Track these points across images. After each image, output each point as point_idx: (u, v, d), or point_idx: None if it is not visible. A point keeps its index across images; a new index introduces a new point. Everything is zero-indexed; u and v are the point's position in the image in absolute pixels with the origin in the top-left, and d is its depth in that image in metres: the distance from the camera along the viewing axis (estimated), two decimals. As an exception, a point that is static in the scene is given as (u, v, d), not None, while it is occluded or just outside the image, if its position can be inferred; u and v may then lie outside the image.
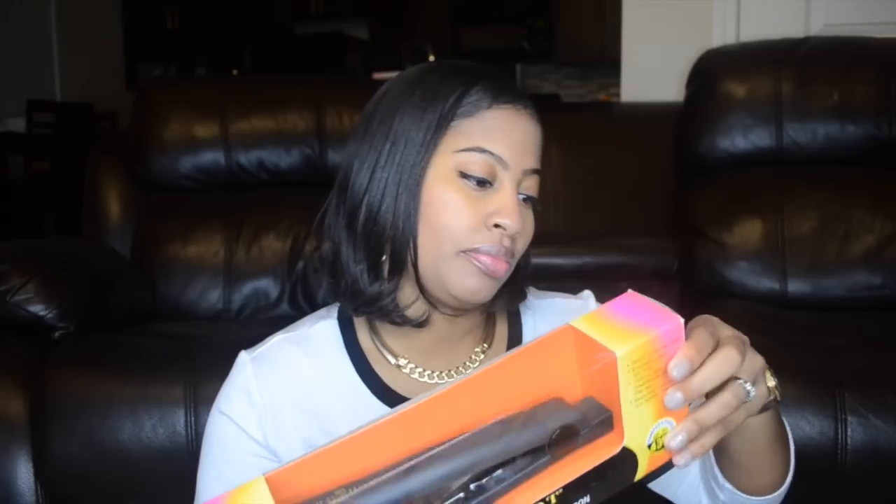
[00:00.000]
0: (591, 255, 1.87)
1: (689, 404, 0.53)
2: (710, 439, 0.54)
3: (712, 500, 0.76)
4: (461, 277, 0.70)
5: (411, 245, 0.71)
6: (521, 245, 0.74)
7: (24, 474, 1.43)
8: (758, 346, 0.59)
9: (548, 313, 0.83)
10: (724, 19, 2.40)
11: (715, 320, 0.58)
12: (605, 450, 0.51)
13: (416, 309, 0.74)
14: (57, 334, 1.56)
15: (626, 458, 0.51)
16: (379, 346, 0.78)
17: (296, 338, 0.79)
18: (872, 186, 1.87)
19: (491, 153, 0.70)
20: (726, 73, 2.00)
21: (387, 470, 0.48)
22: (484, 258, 0.70)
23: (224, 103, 2.04)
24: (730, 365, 0.53)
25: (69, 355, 1.50)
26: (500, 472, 0.49)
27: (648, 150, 2.21)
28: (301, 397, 0.75)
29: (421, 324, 0.75)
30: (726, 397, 0.54)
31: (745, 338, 0.58)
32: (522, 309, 0.83)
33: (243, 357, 0.77)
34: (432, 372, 0.77)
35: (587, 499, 0.51)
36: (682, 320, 0.51)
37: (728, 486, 0.72)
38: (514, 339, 0.81)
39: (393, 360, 0.77)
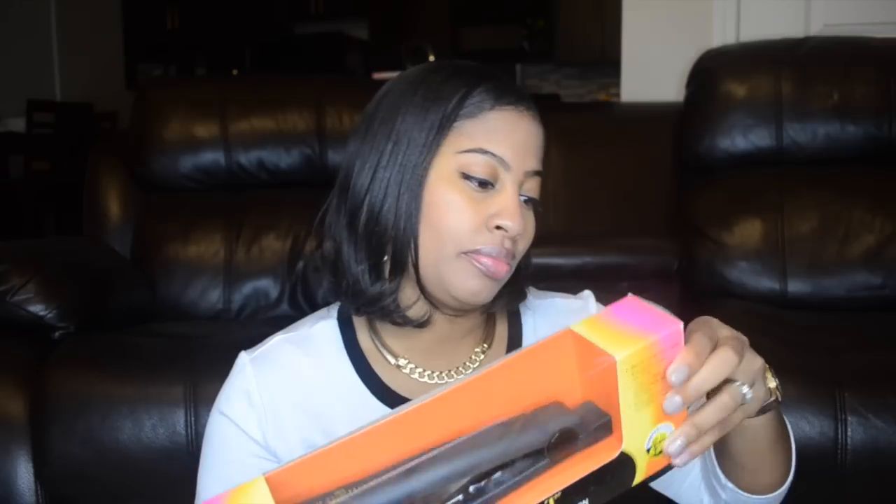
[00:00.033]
0: (591, 255, 1.87)
1: (688, 407, 0.53)
2: (708, 440, 0.54)
3: (714, 498, 0.76)
4: (462, 279, 0.70)
5: (412, 245, 0.71)
6: (522, 246, 0.74)
7: (24, 474, 1.43)
8: (758, 346, 0.59)
9: (548, 313, 0.83)
10: (724, 19, 2.40)
11: (714, 321, 0.58)
12: (603, 454, 0.51)
13: (418, 309, 0.74)
14: (57, 334, 1.56)
15: (625, 463, 0.52)
16: (379, 346, 0.78)
17: (296, 338, 0.79)
18: (872, 186, 1.87)
19: (493, 154, 0.70)
20: (726, 73, 2.00)
21: (387, 471, 0.48)
22: (485, 259, 0.70)
23: (224, 103, 2.04)
24: (726, 366, 0.54)
25: (69, 355, 1.50)
26: (499, 474, 0.49)
27: (648, 150, 2.21)
28: (301, 398, 0.75)
29: (422, 324, 0.75)
30: (723, 400, 0.55)
31: (745, 338, 0.58)
32: (522, 309, 0.83)
33: (243, 357, 0.77)
34: (432, 372, 0.77)
35: (585, 502, 0.51)
36: (681, 325, 0.51)
37: (730, 485, 0.72)
38: (514, 339, 0.81)
39: (393, 361, 0.77)
